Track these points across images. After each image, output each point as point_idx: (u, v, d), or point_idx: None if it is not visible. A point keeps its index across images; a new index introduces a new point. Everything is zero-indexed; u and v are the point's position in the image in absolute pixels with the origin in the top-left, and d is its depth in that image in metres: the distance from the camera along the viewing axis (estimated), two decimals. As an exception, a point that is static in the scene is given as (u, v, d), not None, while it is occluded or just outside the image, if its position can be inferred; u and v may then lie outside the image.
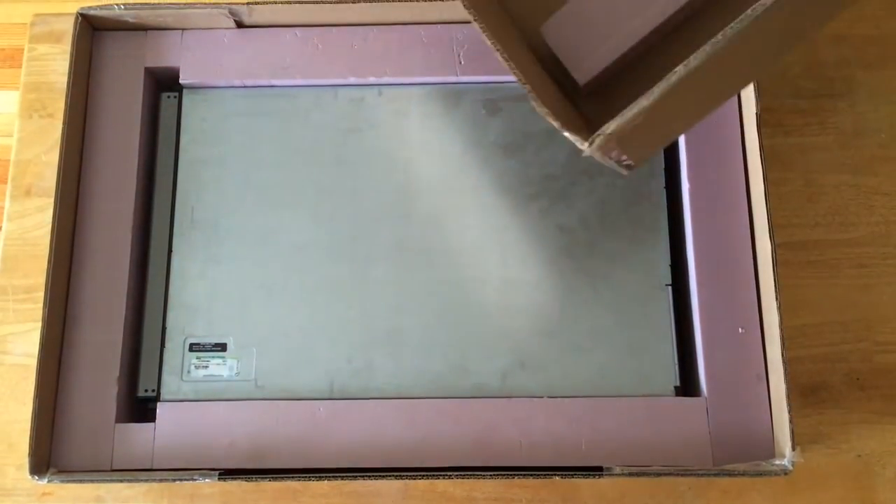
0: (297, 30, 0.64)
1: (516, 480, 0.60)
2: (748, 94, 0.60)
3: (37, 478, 0.54)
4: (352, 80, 0.64)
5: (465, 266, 0.61)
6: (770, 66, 0.62)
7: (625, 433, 0.56)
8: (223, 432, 0.57)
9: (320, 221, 0.62)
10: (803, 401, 0.62)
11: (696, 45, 0.43)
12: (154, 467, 0.56)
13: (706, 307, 0.58)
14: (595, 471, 0.54)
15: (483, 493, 0.60)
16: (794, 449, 0.53)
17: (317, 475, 0.54)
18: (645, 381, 0.58)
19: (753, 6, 0.42)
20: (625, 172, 0.50)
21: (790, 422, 0.53)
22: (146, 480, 0.57)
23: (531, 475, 0.55)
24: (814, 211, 0.66)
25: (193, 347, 0.60)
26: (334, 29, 0.64)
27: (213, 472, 0.54)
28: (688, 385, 0.59)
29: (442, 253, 0.61)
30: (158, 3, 0.62)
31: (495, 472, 0.55)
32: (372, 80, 0.64)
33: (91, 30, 0.64)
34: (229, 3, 0.62)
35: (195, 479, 0.54)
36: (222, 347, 0.60)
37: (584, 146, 0.46)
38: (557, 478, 0.55)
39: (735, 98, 0.61)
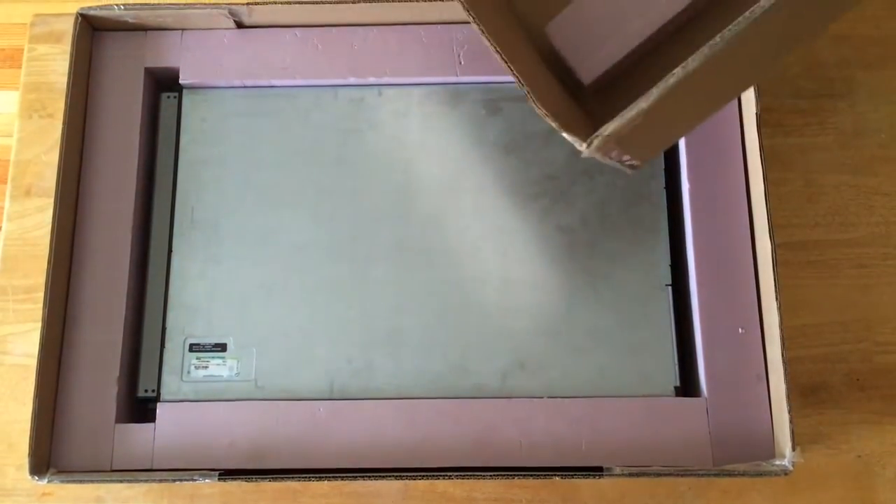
0: (297, 30, 0.64)
1: (516, 481, 0.60)
2: (748, 95, 0.60)
3: (37, 478, 0.54)
4: (352, 80, 0.64)
5: (465, 266, 0.61)
6: (771, 68, 0.62)
7: (625, 433, 0.56)
8: (223, 432, 0.57)
9: (320, 221, 0.62)
10: (803, 401, 0.62)
11: (702, 43, 0.43)
12: (154, 468, 0.56)
13: (706, 307, 0.58)
14: (595, 471, 0.54)
15: (483, 494, 0.60)
16: (794, 449, 0.53)
17: (317, 475, 0.54)
18: (645, 382, 0.58)
19: (751, 9, 0.42)
20: (629, 172, 0.50)
21: (790, 422, 0.53)
22: (146, 481, 0.57)
23: (531, 475, 0.55)
24: (814, 211, 0.66)
25: (193, 347, 0.60)
26: (334, 29, 0.64)
27: (212, 473, 0.54)
28: (688, 385, 0.59)
29: (442, 253, 0.61)
30: (158, 4, 0.62)
31: (495, 473, 0.55)
32: (372, 80, 0.64)
33: (91, 30, 0.64)
34: (229, 4, 0.62)
35: (195, 480, 0.54)
36: (222, 348, 0.60)
37: (582, 147, 0.46)
38: (557, 478, 0.55)
39: (735, 98, 0.61)
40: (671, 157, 0.63)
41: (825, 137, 0.67)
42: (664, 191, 0.62)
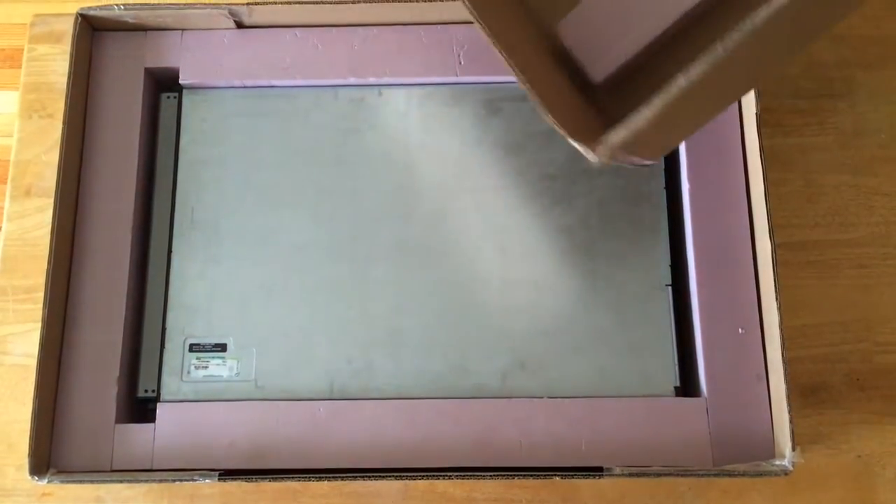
0: (297, 30, 0.64)
1: (516, 481, 0.60)
2: (748, 95, 0.60)
3: (36, 478, 0.54)
4: (352, 80, 0.64)
5: (465, 266, 0.61)
6: (775, 70, 0.62)
7: (625, 433, 0.56)
8: (223, 433, 0.57)
9: (320, 221, 0.62)
10: (803, 401, 0.62)
11: (714, 37, 0.43)
12: (154, 468, 0.56)
13: (706, 307, 0.58)
14: (595, 471, 0.54)
15: (483, 494, 0.60)
16: (794, 449, 0.53)
17: (317, 476, 0.54)
18: (645, 382, 0.58)
19: (751, 15, 0.42)
20: (647, 163, 0.50)
21: (790, 422, 0.53)
22: (146, 481, 0.57)
23: (531, 475, 0.55)
24: (814, 211, 0.66)
25: (193, 348, 0.60)
26: (334, 29, 0.64)
27: (212, 473, 0.54)
28: (688, 385, 0.59)
29: (442, 253, 0.61)
30: (158, 4, 0.62)
31: (495, 473, 0.55)
32: (372, 80, 0.64)
33: (91, 30, 0.64)
34: (229, 4, 0.62)
35: (195, 480, 0.54)
36: (222, 348, 0.60)
37: (590, 155, 0.46)
38: (557, 478, 0.55)
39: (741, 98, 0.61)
40: (671, 157, 0.63)
41: (825, 137, 0.67)
42: (664, 191, 0.62)
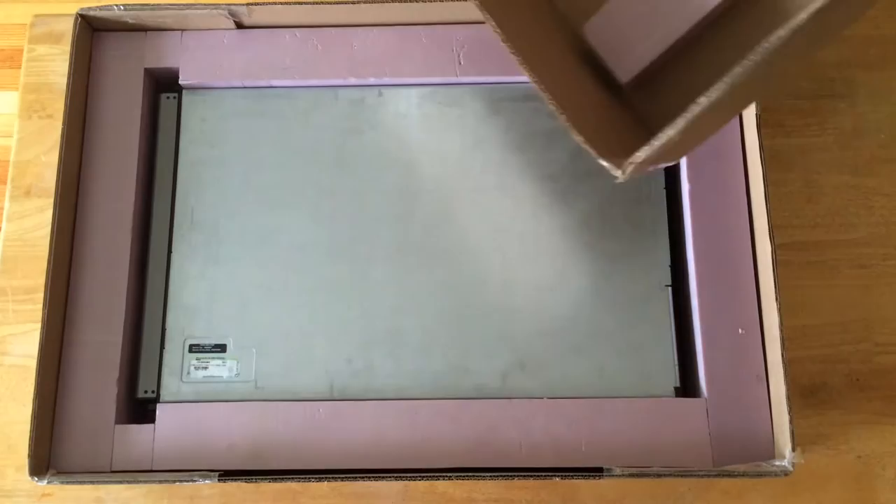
0: (297, 30, 0.64)
1: (516, 481, 0.60)
2: (748, 95, 0.60)
3: (36, 479, 0.54)
4: (352, 80, 0.64)
5: (465, 266, 0.61)
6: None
7: (625, 434, 0.56)
8: (223, 433, 0.57)
9: (320, 222, 0.62)
10: (803, 402, 0.62)
11: (739, 36, 0.43)
12: (154, 468, 0.56)
13: (706, 308, 0.58)
14: (595, 472, 0.54)
15: (483, 494, 0.60)
16: (794, 450, 0.53)
17: (317, 476, 0.54)
18: (645, 382, 0.58)
19: (768, 39, 0.42)
20: (667, 165, 0.50)
21: (790, 423, 0.53)
22: (146, 482, 0.57)
23: (531, 476, 0.55)
24: (814, 211, 0.66)
25: (193, 348, 0.60)
26: (334, 29, 0.64)
27: (212, 474, 0.54)
28: (688, 386, 0.59)
29: (442, 253, 0.61)
30: (158, 4, 0.62)
31: (495, 473, 0.54)
32: (372, 80, 0.64)
33: (91, 30, 0.64)
34: (229, 4, 0.62)
35: (195, 481, 0.54)
36: (222, 348, 0.60)
37: (617, 172, 0.46)
38: (557, 479, 0.55)
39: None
40: (671, 157, 0.63)
41: (825, 138, 0.67)
42: (664, 191, 0.62)
